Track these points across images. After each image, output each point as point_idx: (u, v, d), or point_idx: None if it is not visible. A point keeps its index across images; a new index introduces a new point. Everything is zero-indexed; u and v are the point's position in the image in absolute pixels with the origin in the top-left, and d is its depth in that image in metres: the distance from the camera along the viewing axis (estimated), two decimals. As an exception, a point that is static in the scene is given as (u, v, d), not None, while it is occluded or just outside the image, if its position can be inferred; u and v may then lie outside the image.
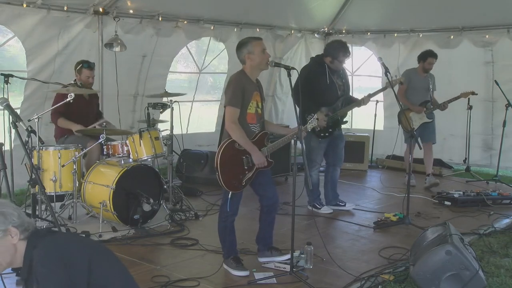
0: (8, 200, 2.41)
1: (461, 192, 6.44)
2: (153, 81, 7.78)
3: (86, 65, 5.83)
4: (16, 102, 6.14)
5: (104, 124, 5.68)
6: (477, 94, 7.59)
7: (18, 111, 5.78)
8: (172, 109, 6.02)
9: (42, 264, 2.20)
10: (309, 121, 4.34)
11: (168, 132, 6.09)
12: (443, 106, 7.29)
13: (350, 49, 5.86)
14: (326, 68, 5.77)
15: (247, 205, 4.40)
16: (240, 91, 4.04)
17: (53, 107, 5.46)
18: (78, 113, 5.82)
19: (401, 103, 7.29)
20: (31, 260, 2.24)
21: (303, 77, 5.30)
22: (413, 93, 7.28)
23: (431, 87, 7.32)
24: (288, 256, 4.24)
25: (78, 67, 5.84)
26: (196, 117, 8.99)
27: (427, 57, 7.20)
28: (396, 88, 6.15)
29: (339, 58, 5.73)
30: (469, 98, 7.43)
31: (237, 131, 4.02)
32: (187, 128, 8.22)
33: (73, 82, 5.80)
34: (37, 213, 4.81)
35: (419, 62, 7.29)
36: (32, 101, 6.40)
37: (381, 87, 6.45)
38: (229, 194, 4.10)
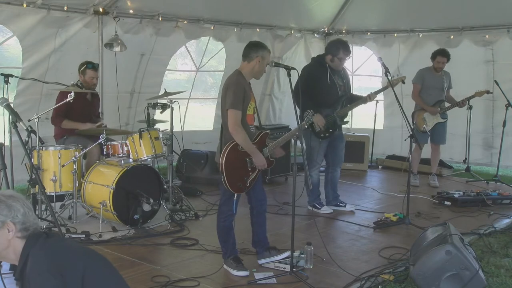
0: (24, 197, 2.37)
1: (461, 192, 6.45)
2: (150, 79, 7.78)
3: (90, 65, 5.80)
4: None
5: (104, 125, 5.68)
6: (492, 92, 7.60)
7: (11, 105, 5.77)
8: (172, 109, 6.02)
9: (37, 271, 2.17)
10: (306, 117, 4.38)
11: (167, 130, 6.08)
12: (461, 104, 7.26)
13: (350, 49, 5.83)
14: (327, 68, 5.76)
15: (246, 205, 4.39)
16: (241, 93, 4.01)
17: (54, 106, 5.46)
18: (80, 114, 5.81)
19: (416, 105, 7.29)
20: (25, 263, 2.22)
21: (303, 77, 5.29)
22: (427, 92, 7.29)
23: (445, 85, 7.31)
24: (287, 253, 4.24)
25: (82, 68, 5.81)
26: (193, 115, 8.97)
27: (436, 55, 7.20)
28: (398, 88, 6.12)
29: (339, 56, 5.70)
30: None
31: (241, 134, 4.00)
32: (183, 126, 8.21)
33: (73, 82, 5.78)
34: (37, 213, 4.81)
35: (432, 61, 7.29)
36: (26, 97, 6.37)
37: (381, 87, 6.44)
38: (235, 196, 4.11)
